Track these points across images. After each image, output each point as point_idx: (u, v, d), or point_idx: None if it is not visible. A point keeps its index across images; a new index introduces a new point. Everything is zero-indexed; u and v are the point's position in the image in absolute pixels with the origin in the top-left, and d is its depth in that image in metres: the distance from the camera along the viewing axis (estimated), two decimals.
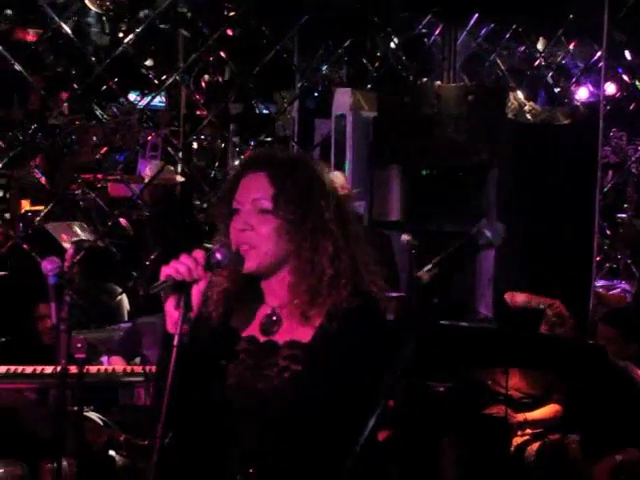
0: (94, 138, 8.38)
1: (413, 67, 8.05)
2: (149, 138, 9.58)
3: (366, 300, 2.18)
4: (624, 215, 8.69)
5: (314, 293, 2.16)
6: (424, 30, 8.18)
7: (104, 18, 9.06)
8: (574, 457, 4.78)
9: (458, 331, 4.56)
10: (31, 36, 8.38)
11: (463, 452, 4.83)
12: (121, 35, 8.51)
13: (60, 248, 6.42)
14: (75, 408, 3.60)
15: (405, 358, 1.81)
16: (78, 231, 6.95)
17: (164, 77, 8.25)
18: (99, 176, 8.71)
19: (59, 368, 3.35)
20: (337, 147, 6.19)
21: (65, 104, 8.42)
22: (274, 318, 2.23)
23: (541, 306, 5.09)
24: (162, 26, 8.53)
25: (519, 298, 5.21)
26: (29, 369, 4.16)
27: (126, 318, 6.65)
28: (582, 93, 9.32)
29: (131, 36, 6.83)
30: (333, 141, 6.22)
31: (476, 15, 7.67)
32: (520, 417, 5.00)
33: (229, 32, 7.88)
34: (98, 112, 9.62)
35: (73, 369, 3.54)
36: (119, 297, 6.75)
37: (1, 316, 5.61)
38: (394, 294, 4.67)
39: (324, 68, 8.63)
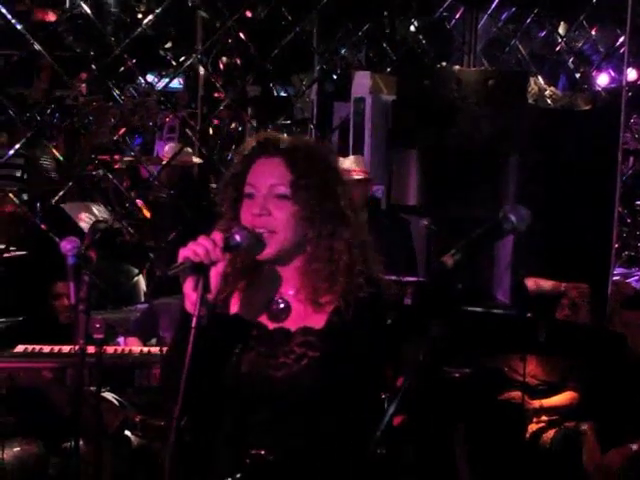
0: (112, 119, 8.37)
1: (433, 51, 8.00)
2: (167, 120, 9.57)
3: (379, 287, 2.18)
4: None
5: (331, 279, 2.16)
6: (445, 13, 8.13)
7: None
8: (589, 445, 4.76)
9: (476, 317, 4.55)
10: (50, 16, 8.37)
11: (478, 438, 4.82)
12: (140, 16, 8.50)
13: (77, 228, 6.44)
14: (93, 388, 3.61)
15: (429, 342, 1.79)
16: (95, 212, 6.96)
17: (182, 59, 8.25)
18: (116, 157, 8.71)
19: (77, 348, 3.35)
20: (356, 130, 6.16)
21: (83, 85, 8.41)
22: (282, 305, 2.22)
23: (562, 289, 5.06)
24: (181, 7, 8.50)
25: (544, 283, 5.18)
26: (47, 348, 4.17)
27: (142, 299, 6.67)
28: (603, 79, 9.25)
29: (150, 17, 6.81)
30: (352, 124, 6.20)
31: None
32: (536, 404, 4.99)
33: (248, 14, 7.84)
34: (115, 93, 9.62)
35: (91, 349, 3.56)
36: (135, 278, 6.77)
37: (19, 295, 5.65)
38: (412, 279, 4.67)
39: (343, 51, 8.60)
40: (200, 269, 2.11)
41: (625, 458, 4.60)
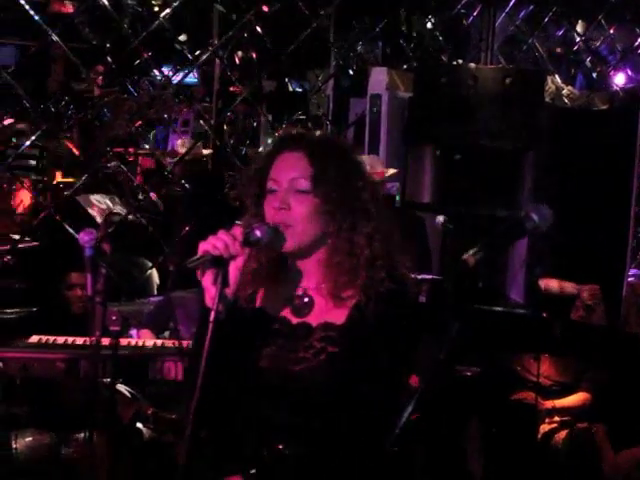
0: (128, 112, 8.39)
1: (450, 48, 7.98)
2: (181, 113, 9.59)
3: (401, 283, 2.17)
4: None
5: (352, 273, 2.16)
6: (462, 11, 8.11)
7: None
8: (601, 446, 4.76)
9: (491, 316, 4.54)
10: (68, 8, 8.38)
11: (490, 437, 4.81)
12: (156, 9, 8.51)
13: (91, 220, 6.46)
14: (107, 380, 3.62)
15: (450, 341, 1.78)
16: (109, 204, 6.98)
17: (198, 52, 8.24)
18: (130, 149, 8.73)
19: (93, 340, 3.36)
20: (371, 127, 6.14)
21: (100, 77, 8.44)
22: (306, 299, 2.23)
23: (576, 291, 5.05)
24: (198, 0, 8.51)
25: (553, 284, 5.17)
26: (61, 339, 4.18)
27: (155, 292, 6.68)
28: (620, 78, 9.21)
29: (168, 10, 6.80)
30: (368, 120, 6.18)
31: None
32: (548, 404, 4.98)
33: (265, 8, 7.83)
34: (130, 86, 9.64)
35: (105, 341, 3.56)
36: (149, 271, 6.77)
37: (33, 286, 5.67)
38: (427, 276, 4.66)
39: (359, 47, 8.58)
40: (219, 263, 2.12)
41: (637, 460, 4.59)
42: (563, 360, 5.07)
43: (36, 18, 5.88)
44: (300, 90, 9.80)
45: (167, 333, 4.85)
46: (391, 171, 5.40)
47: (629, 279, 5.91)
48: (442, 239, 4.87)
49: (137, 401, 4.52)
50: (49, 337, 4.19)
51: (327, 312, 2.19)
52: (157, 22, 6.64)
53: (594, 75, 9.08)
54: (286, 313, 2.23)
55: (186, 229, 6.49)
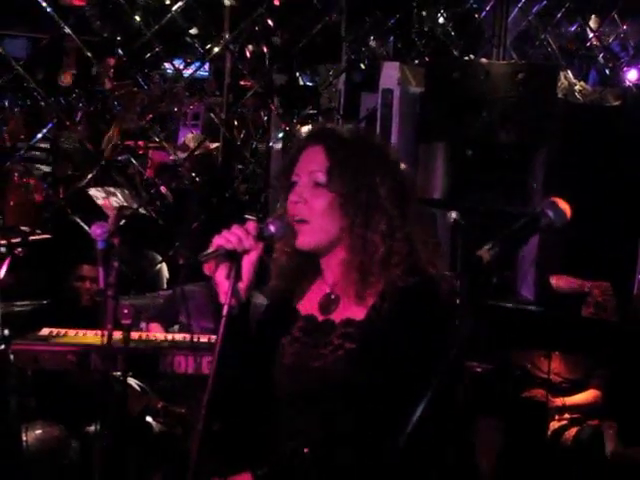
0: (139, 105, 8.40)
1: (462, 43, 7.96)
2: (191, 107, 9.59)
3: (422, 280, 2.14)
4: None
5: (365, 271, 2.14)
6: (475, 5, 8.09)
7: None
8: (611, 444, 4.75)
9: (502, 312, 4.53)
10: (79, 0, 8.39)
11: (500, 434, 4.81)
12: (168, 2, 8.50)
13: (102, 213, 6.47)
14: (117, 374, 3.62)
15: (462, 338, 1.77)
16: (120, 197, 6.99)
17: (208, 46, 8.23)
18: (140, 143, 8.73)
19: (105, 333, 3.36)
20: (383, 122, 6.12)
21: (111, 70, 8.45)
22: (332, 297, 2.22)
23: (586, 289, 5.04)
24: None
25: (564, 281, 5.16)
26: (72, 332, 4.19)
27: (165, 286, 6.69)
28: (632, 75, 9.18)
29: (179, 3, 6.80)
30: (379, 115, 6.15)
31: None
32: (558, 401, 4.98)
33: (276, 2, 7.83)
34: (140, 79, 9.63)
35: (116, 334, 3.56)
36: (159, 265, 6.79)
37: (43, 279, 5.68)
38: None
39: (371, 41, 8.55)
40: (232, 257, 2.12)
41: None
42: (573, 357, 5.06)
43: (48, 10, 5.88)
44: (311, 84, 9.79)
45: (176, 327, 4.86)
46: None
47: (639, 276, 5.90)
48: (453, 235, 4.86)
49: (147, 395, 4.54)
50: (60, 330, 4.21)
51: (349, 309, 2.19)
52: (169, 16, 6.64)
53: (607, 71, 9.05)
54: (314, 311, 2.24)
55: (196, 223, 6.50)
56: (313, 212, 2.16)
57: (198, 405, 2.05)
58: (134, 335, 4.17)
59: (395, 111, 6.00)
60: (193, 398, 4.23)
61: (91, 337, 4.09)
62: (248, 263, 2.15)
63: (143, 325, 4.86)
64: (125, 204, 6.85)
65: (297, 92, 8.89)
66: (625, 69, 9.05)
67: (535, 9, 8.29)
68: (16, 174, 6.87)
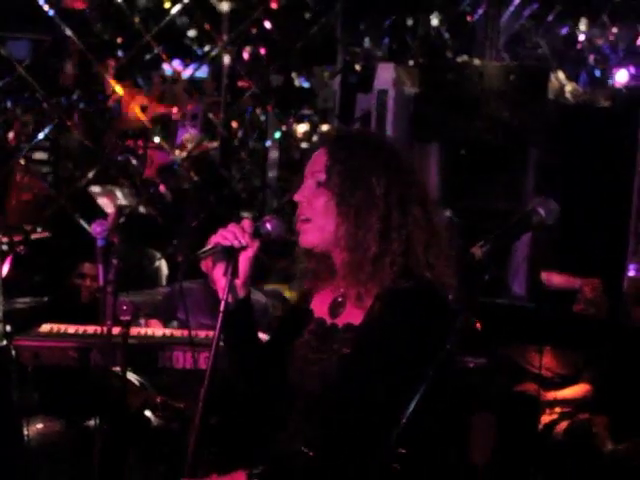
0: (139, 106, 8.44)
1: (455, 45, 8.03)
2: (189, 107, 9.62)
3: (416, 282, 2.11)
4: None
5: (358, 271, 2.13)
6: (468, 8, 8.15)
7: None
8: (602, 438, 4.79)
9: (493, 308, 4.57)
10: (79, 3, 8.44)
11: (492, 428, 4.85)
12: (167, 5, 8.56)
13: (102, 211, 6.52)
14: (117, 369, 3.67)
15: (455, 334, 1.79)
16: (120, 196, 7.03)
17: (207, 48, 8.29)
18: (140, 143, 8.77)
19: (104, 329, 3.42)
20: (378, 122, 6.18)
21: (112, 71, 8.49)
22: (339, 300, 2.23)
23: (577, 286, 5.09)
24: None
25: (555, 277, 5.21)
26: (72, 328, 4.24)
27: (164, 283, 6.73)
28: (622, 76, 9.22)
29: (178, 6, 6.86)
30: (374, 116, 6.21)
31: None
32: (550, 396, 5.01)
33: (273, 5, 7.88)
34: (140, 80, 9.68)
35: (116, 330, 3.61)
36: (158, 262, 6.83)
37: (44, 276, 5.73)
38: None
39: (366, 43, 8.61)
40: (229, 253, 2.17)
41: (638, 452, 4.63)
42: (564, 352, 5.10)
43: (50, 13, 5.94)
44: (307, 85, 9.83)
45: (175, 323, 4.90)
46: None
47: (630, 273, 5.96)
48: (447, 233, 4.91)
49: (146, 390, 4.57)
50: (60, 326, 4.25)
51: (351, 313, 2.19)
52: (168, 18, 6.70)
53: (597, 73, 9.11)
54: (324, 314, 2.24)
55: (194, 221, 6.55)
56: (314, 211, 2.17)
57: (196, 400, 2.10)
58: (133, 331, 4.22)
59: (390, 111, 6.05)
60: (191, 393, 4.28)
61: (91, 333, 4.15)
62: (245, 260, 2.20)
63: (142, 321, 4.90)
64: (125, 202, 6.89)
65: (293, 93, 8.95)
66: (615, 70, 9.09)
67: (527, 12, 8.36)
68: (18, 173, 6.92)
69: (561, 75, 6.71)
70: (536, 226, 1.93)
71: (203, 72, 10.40)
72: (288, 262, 2.34)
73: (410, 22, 8.65)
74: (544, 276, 5.30)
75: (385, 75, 6.22)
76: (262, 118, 9.56)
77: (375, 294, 2.13)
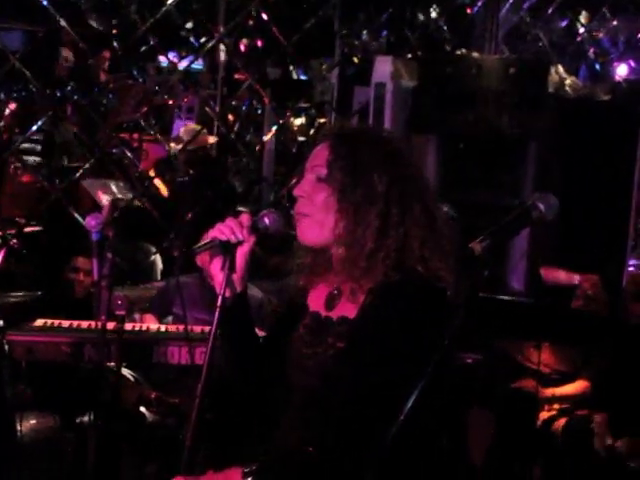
0: (134, 98, 8.41)
1: (454, 37, 8.01)
2: (185, 100, 9.60)
3: (406, 276, 2.09)
4: None
5: (352, 266, 2.12)
6: (467, 1, 8.13)
7: None
8: (600, 434, 4.79)
9: (492, 304, 4.56)
10: None
11: (490, 424, 4.85)
12: None
13: (96, 205, 6.49)
14: (112, 364, 3.65)
15: (453, 329, 1.78)
16: (114, 189, 7.00)
17: (203, 40, 8.26)
18: (135, 135, 8.74)
19: (99, 324, 3.39)
20: (375, 115, 6.15)
21: (106, 62, 8.47)
22: (335, 292, 2.22)
23: (576, 282, 5.08)
24: None
25: (554, 273, 5.20)
26: (66, 323, 4.21)
27: (159, 277, 6.72)
28: (622, 69, 9.21)
29: None
30: (372, 109, 6.18)
31: None
32: (548, 392, 5.01)
33: None
34: (135, 72, 9.65)
35: (110, 325, 3.59)
36: (153, 256, 6.81)
37: (38, 270, 5.70)
38: None
39: (364, 35, 8.59)
40: (226, 248, 2.15)
41: (636, 449, 4.63)
42: (563, 349, 5.10)
43: (44, 3, 5.90)
44: (305, 78, 9.81)
45: (170, 318, 4.89)
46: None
47: (629, 269, 5.95)
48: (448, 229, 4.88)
49: (140, 385, 4.56)
50: (54, 321, 4.23)
51: (345, 307, 2.18)
52: (164, 9, 6.66)
53: (597, 66, 9.10)
54: (320, 307, 2.23)
55: (190, 215, 6.53)
56: (314, 206, 2.15)
57: (191, 395, 2.08)
58: (128, 326, 4.20)
59: (388, 105, 6.02)
60: (186, 388, 4.27)
61: (85, 328, 4.12)
62: (241, 255, 2.18)
63: (137, 316, 4.89)
64: (119, 196, 6.87)
65: (291, 85, 8.93)
66: (615, 64, 9.09)
67: (526, 4, 8.34)
68: (12, 166, 6.89)
69: (561, 69, 6.68)
70: (535, 221, 1.92)
71: (199, 64, 10.38)
72: (282, 258, 2.33)
73: (408, 15, 8.63)
74: (543, 272, 5.29)
75: (383, 68, 6.18)
76: (259, 111, 9.56)
77: (368, 289, 2.12)
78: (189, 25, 9.11)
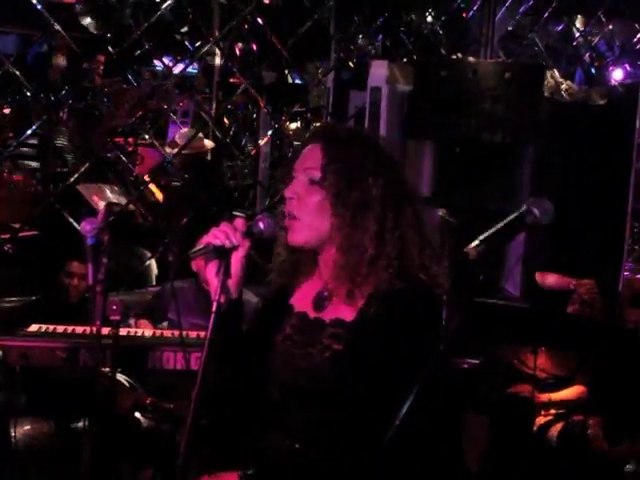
0: (128, 102, 8.41)
1: (450, 42, 8.01)
2: (180, 104, 9.60)
3: (411, 284, 2.12)
4: None
5: (353, 272, 2.13)
6: (462, 5, 8.13)
7: None
8: (596, 439, 4.79)
9: (488, 308, 4.56)
10: None
11: (486, 429, 4.85)
12: (158, 0, 8.52)
13: (91, 210, 6.48)
14: (107, 369, 3.64)
15: (450, 334, 1.79)
16: (109, 194, 6.99)
17: (198, 44, 8.25)
18: (130, 140, 8.74)
19: (93, 329, 3.38)
20: (371, 119, 6.14)
21: (101, 66, 8.46)
22: (325, 294, 2.23)
23: (571, 286, 5.08)
24: None
25: (550, 278, 5.20)
26: (60, 328, 4.21)
27: (154, 283, 6.70)
28: (618, 74, 9.23)
29: (169, 1, 6.81)
30: (367, 113, 6.17)
31: None
32: (544, 397, 5.02)
33: (266, 0, 7.85)
34: (130, 76, 9.65)
35: (105, 330, 3.58)
36: (148, 261, 6.80)
37: (32, 275, 5.69)
38: None
39: (360, 39, 8.60)
40: (221, 253, 2.15)
41: (632, 454, 4.63)
42: (559, 354, 5.10)
43: (38, 7, 5.89)
44: (300, 82, 9.82)
45: (165, 323, 4.88)
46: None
47: (625, 273, 5.94)
48: (440, 232, 4.88)
49: (135, 391, 4.56)
50: (49, 326, 4.23)
51: (339, 309, 2.19)
52: (158, 13, 6.65)
53: (593, 70, 9.12)
54: (307, 308, 2.24)
55: (185, 220, 6.51)
56: (305, 209, 2.16)
57: (187, 401, 2.07)
58: (123, 331, 4.20)
59: (383, 109, 6.01)
60: (182, 394, 4.26)
61: (80, 333, 4.12)
62: (237, 260, 2.17)
63: (132, 321, 4.88)
64: (114, 201, 6.86)
65: (286, 90, 8.93)
66: (611, 68, 9.11)
67: (522, 9, 8.35)
68: (5, 171, 6.88)
69: (556, 73, 6.68)
70: (530, 226, 1.94)
71: (194, 69, 10.38)
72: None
73: (404, 19, 8.65)
74: (538, 276, 5.29)
75: (379, 72, 6.18)
76: (254, 115, 9.56)
77: (368, 293, 2.13)
78: (184, 29, 9.10)
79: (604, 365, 4.91)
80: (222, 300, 2.13)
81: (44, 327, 4.21)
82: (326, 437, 2.12)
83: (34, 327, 4.21)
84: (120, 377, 4.47)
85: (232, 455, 2.27)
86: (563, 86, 6.67)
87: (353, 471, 2.10)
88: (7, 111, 8.31)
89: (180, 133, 8.37)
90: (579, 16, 9.28)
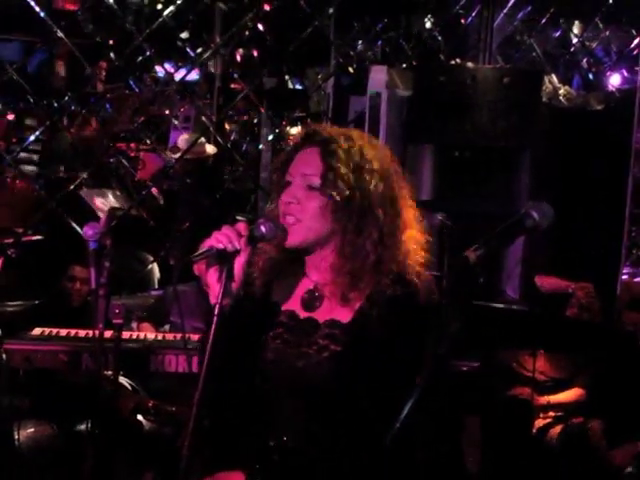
0: (130, 108, 8.44)
1: (448, 47, 8.04)
2: (182, 110, 9.63)
3: (409, 289, 2.14)
4: None
5: (355, 276, 2.15)
6: (461, 11, 8.16)
7: None
8: (596, 442, 4.80)
9: (487, 312, 4.58)
10: (71, 5, 8.43)
11: (485, 432, 4.85)
12: (160, 7, 8.56)
13: (94, 214, 6.50)
14: (110, 373, 3.66)
15: (449, 337, 1.80)
16: (111, 198, 7.02)
17: (200, 50, 8.29)
18: (132, 145, 8.76)
19: (96, 332, 3.40)
20: (371, 124, 6.17)
21: (104, 73, 8.50)
22: (316, 294, 2.23)
23: (570, 289, 5.10)
24: None
25: (549, 281, 5.22)
26: (63, 332, 4.23)
27: (156, 286, 6.72)
28: (615, 79, 9.24)
29: (171, 7, 6.85)
30: (367, 118, 6.20)
31: None
32: (543, 400, 5.02)
33: (266, 7, 7.88)
34: (132, 82, 9.68)
35: (107, 334, 3.60)
36: (150, 265, 6.82)
37: (35, 279, 5.72)
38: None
39: (359, 45, 8.63)
40: (223, 257, 2.14)
41: (631, 456, 4.64)
42: (558, 356, 5.11)
43: (42, 15, 5.92)
44: (300, 87, 9.85)
45: (167, 326, 4.90)
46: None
47: (623, 277, 5.97)
48: (439, 236, 4.91)
49: (138, 393, 4.57)
50: (52, 329, 4.25)
51: (334, 310, 2.19)
52: (160, 20, 6.68)
53: (590, 76, 9.14)
54: (296, 307, 2.24)
55: (187, 224, 6.54)
56: (305, 213, 2.16)
57: (189, 404, 2.08)
58: (125, 334, 4.21)
59: (383, 114, 6.03)
60: (183, 397, 4.28)
61: (82, 337, 4.14)
62: (238, 263, 2.16)
63: (134, 325, 4.90)
64: (117, 205, 6.88)
65: (286, 95, 8.95)
66: (608, 74, 9.13)
67: (520, 15, 8.38)
68: (8, 176, 6.91)
69: (554, 78, 6.72)
70: (529, 230, 1.93)
71: (196, 74, 10.41)
72: None
73: (403, 25, 8.68)
74: (538, 280, 5.32)
75: (378, 77, 6.20)
76: (255, 120, 9.58)
77: (366, 295, 2.15)
78: (185, 35, 9.14)
79: (603, 368, 4.93)
80: (226, 303, 2.12)
81: (47, 331, 4.24)
82: (326, 437, 2.13)
83: (37, 331, 4.24)
84: (122, 380, 4.48)
85: (234, 455, 2.28)
86: (561, 91, 6.71)
87: (353, 471, 2.12)
88: (11, 117, 8.35)
89: (182, 138, 8.40)
90: (577, 22, 9.31)
